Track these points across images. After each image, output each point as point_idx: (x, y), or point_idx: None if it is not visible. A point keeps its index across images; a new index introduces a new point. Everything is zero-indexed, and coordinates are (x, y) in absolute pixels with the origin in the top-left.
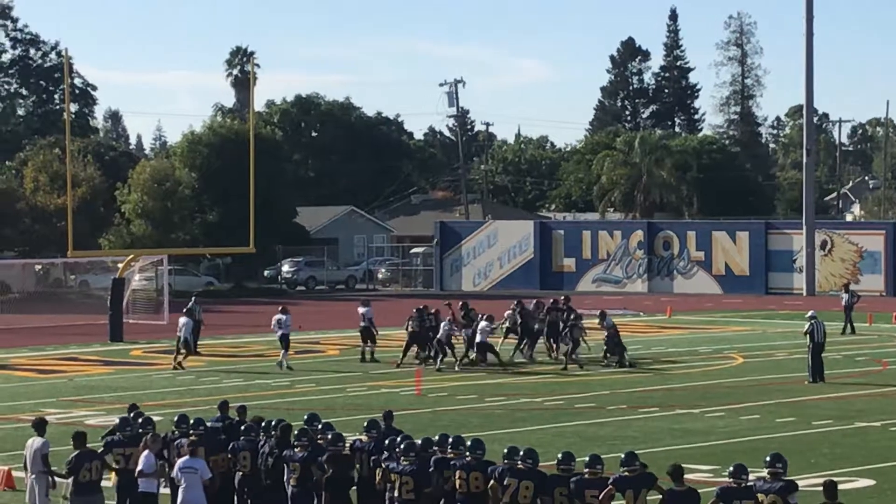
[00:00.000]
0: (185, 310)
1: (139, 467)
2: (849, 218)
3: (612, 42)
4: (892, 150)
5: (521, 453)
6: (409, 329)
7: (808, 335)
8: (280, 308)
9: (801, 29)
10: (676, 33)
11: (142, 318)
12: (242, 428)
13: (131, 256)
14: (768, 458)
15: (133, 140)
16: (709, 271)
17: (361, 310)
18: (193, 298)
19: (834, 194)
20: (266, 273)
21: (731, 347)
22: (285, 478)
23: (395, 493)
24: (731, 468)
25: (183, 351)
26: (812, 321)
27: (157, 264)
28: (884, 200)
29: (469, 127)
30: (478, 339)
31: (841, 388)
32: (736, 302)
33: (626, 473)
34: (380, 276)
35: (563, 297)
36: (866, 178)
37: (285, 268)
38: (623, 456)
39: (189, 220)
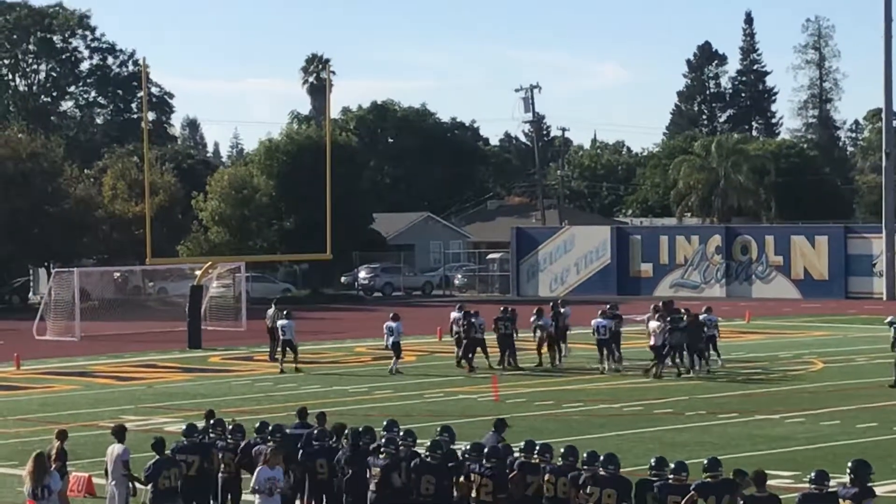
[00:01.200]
0: (284, 312)
1: (252, 484)
2: None
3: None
4: None
5: (601, 459)
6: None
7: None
8: (391, 315)
9: (879, 31)
10: (752, 37)
11: (220, 325)
12: (315, 433)
13: (209, 264)
14: (850, 464)
15: (210, 148)
16: (787, 276)
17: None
18: (273, 305)
19: None
20: (343, 279)
21: (810, 352)
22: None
23: (474, 495)
24: (813, 474)
25: (289, 353)
26: (894, 326)
27: (235, 271)
28: None
29: (545, 132)
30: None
31: None
32: (815, 307)
33: (709, 479)
34: (456, 282)
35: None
36: None
37: (362, 274)
38: (706, 462)
39: (266, 227)
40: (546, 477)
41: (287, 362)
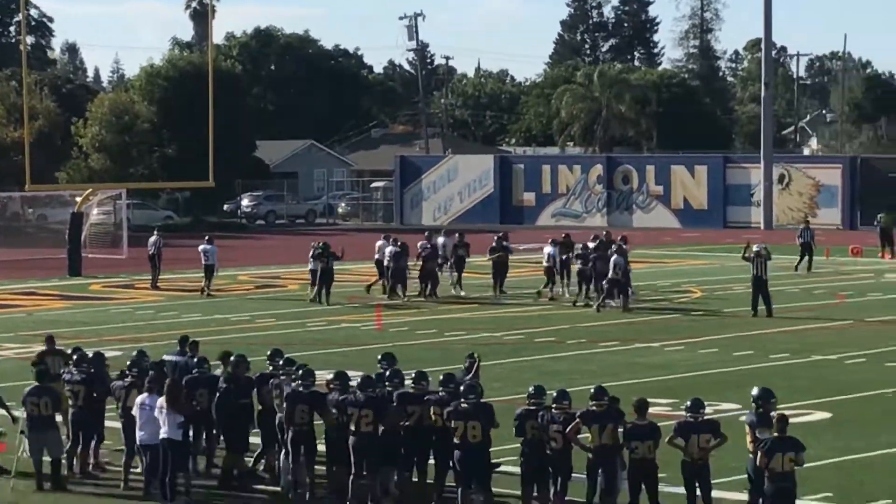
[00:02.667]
0: (206, 237)
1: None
2: (806, 151)
3: None
4: (849, 84)
5: (462, 390)
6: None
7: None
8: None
9: None
10: None
11: (100, 253)
12: (196, 361)
13: (90, 191)
14: (754, 393)
15: (91, 73)
16: (668, 205)
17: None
18: (156, 232)
19: (791, 128)
20: (225, 207)
21: (689, 281)
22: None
23: (353, 427)
24: (689, 403)
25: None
26: (760, 250)
27: (116, 198)
28: (841, 134)
29: (429, 60)
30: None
31: (798, 321)
32: (694, 236)
33: (595, 408)
34: (340, 210)
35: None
36: (823, 111)
37: (245, 202)
38: (592, 390)
39: (148, 154)
40: (432, 409)
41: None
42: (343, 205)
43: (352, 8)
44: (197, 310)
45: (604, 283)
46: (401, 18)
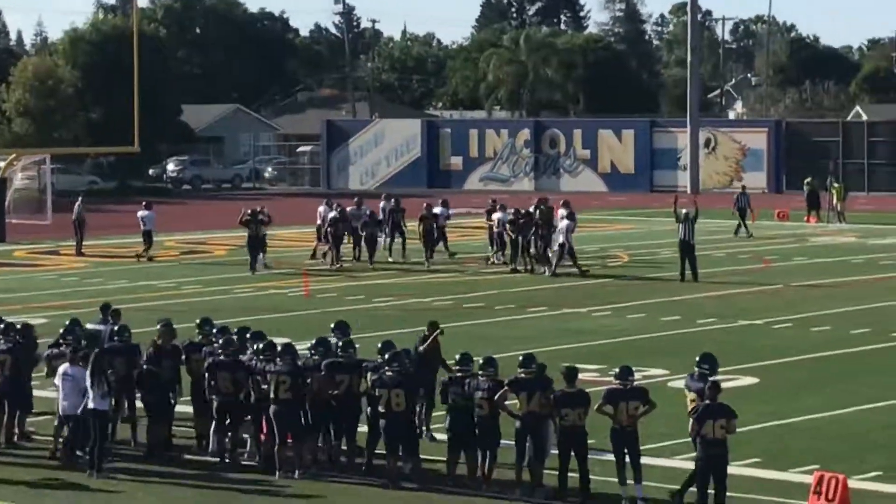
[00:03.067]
0: (144, 203)
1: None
2: (731, 115)
3: None
4: (773, 47)
5: (388, 358)
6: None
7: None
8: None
9: None
10: None
11: (24, 219)
12: (117, 329)
13: (13, 156)
14: (698, 358)
15: (13, 36)
16: (595, 169)
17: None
18: (80, 199)
19: (717, 91)
20: (151, 172)
21: (616, 246)
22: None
23: (273, 395)
24: (617, 370)
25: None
26: (687, 221)
27: (40, 163)
28: (766, 98)
29: (355, 24)
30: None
31: (724, 286)
32: (621, 200)
33: (523, 375)
34: (266, 174)
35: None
36: (749, 75)
37: (170, 166)
38: (521, 357)
39: (72, 118)
40: (368, 375)
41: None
42: (269, 169)
43: None
44: (123, 276)
45: (555, 247)
46: None
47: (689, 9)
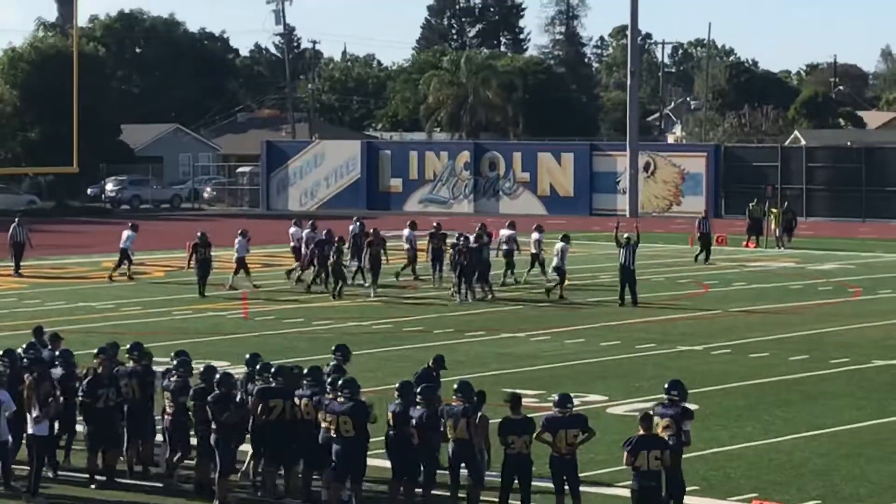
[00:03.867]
0: (130, 224)
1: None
2: (670, 139)
3: None
4: (713, 71)
5: (340, 384)
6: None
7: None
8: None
9: None
10: None
11: None
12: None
13: None
14: (667, 385)
15: None
16: (534, 192)
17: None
18: (17, 219)
19: (656, 115)
20: (89, 191)
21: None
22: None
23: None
24: (556, 397)
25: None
26: (629, 244)
27: None
28: (705, 122)
29: (296, 44)
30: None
31: (664, 311)
32: (561, 223)
33: (457, 403)
34: (205, 195)
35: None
36: (688, 98)
37: (109, 186)
38: (455, 385)
39: (10, 138)
40: (303, 401)
41: (122, 274)
42: (209, 190)
43: None
44: (61, 297)
45: (550, 270)
46: (268, 3)
47: (629, 32)
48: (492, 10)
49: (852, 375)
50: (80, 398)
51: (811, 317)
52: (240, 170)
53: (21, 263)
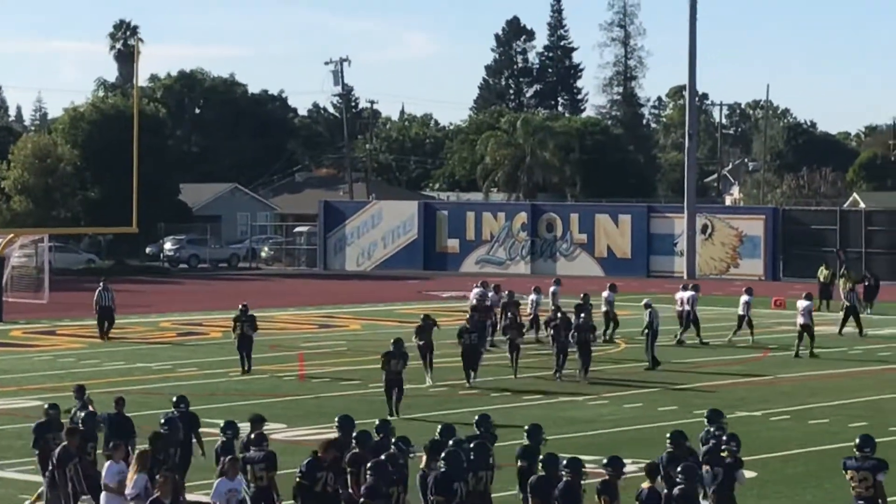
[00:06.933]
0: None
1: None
2: (728, 200)
3: (498, 20)
4: (771, 132)
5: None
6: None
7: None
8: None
9: (684, 9)
10: (560, 13)
11: (21, 297)
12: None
13: (11, 235)
14: (858, 441)
15: (13, 112)
16: (591, 254)
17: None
18: (102, 283)
19: (714, 176)
20: (148, 250)
21: (614, 332)
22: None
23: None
24: (606, 460)
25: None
26: (649, 310)
27: (38, 241)
28: (763, 184)
29: (353, 104)
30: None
31: (722, 376)
32: (618, 285)
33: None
34: (263, 254)
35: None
36: (746, 160)
37: (167, 245)
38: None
39: (71, 197)
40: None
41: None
42: (266, 249)
43: (276, 50)
44: (119, 357)
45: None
46: (326, 63)
47: (686, 94)
48: (549, 70)
49: None
50: (298, 479)
51: (871, 383)
52: (297, 229)
53: (109, 328)
